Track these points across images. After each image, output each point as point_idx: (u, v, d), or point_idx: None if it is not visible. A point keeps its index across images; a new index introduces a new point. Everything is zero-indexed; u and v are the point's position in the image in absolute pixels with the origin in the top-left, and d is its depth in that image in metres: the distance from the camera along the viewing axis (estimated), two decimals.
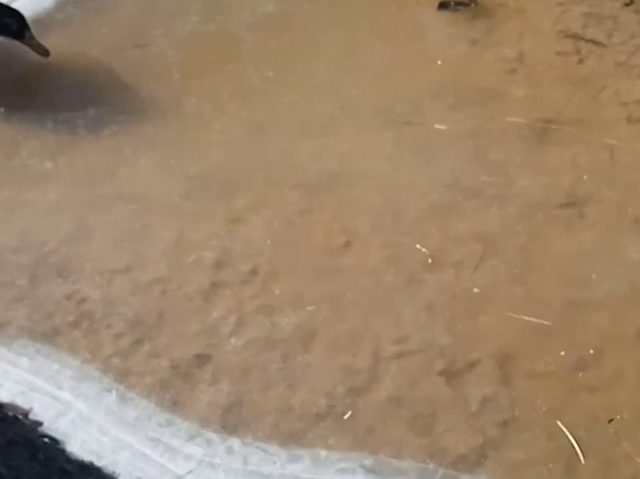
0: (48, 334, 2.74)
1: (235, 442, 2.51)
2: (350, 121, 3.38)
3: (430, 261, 2.96)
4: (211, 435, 2.52)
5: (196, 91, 3.47)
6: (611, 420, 2.59)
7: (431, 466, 2.48)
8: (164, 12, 3.60)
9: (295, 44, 3.61)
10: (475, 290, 2.89)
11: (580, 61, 3.62)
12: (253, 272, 2.91)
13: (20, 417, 2.46)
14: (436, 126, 3.37)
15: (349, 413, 2.59)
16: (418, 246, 3.00)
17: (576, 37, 3.70)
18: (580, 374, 2.69)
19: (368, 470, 2.46)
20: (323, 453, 2.50)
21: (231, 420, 2.55)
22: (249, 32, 3.67)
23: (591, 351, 2.74)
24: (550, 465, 2.50)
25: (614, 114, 3.41)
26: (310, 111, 3.40)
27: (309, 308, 2.83)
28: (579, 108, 3.43)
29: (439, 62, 3.59)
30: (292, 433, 2.53)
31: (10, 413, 2.46)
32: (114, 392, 2.60)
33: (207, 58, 3.58)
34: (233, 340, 2.74)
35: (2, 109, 3.46)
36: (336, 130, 3.35)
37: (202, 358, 2.69)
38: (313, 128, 3.35)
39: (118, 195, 3.14)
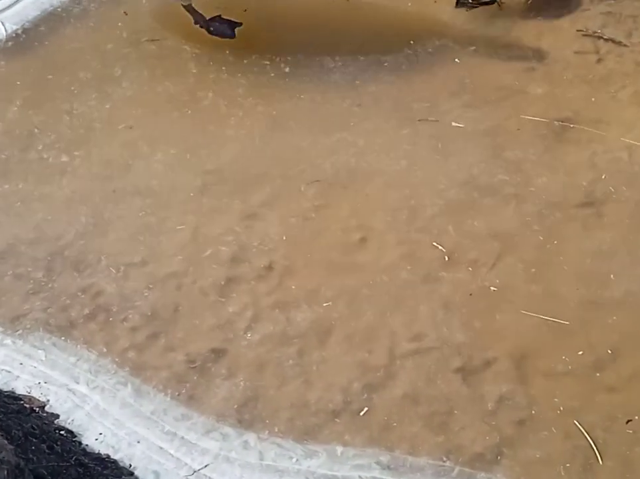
0: (64, 327, 2.74)
1: (251, 437, 2.50)
2: (366, 117, 3.36)
3: (446, 258, 2.95)
4: (227, 429, 2.51)
5: (212, 86, 3.46)
6: (629, 421, 2.58)
7: (447, 463, 2.47)
8: (180, 6, 3.59)
9: (312, 40, 3.59)
10: (492, 288, 2.88)
11: (599, 60, 3.59)
12: (269, 267, 2.90)
13: (37, 409, 2.46)
14: (453, 123, 3.35)
15: (365, 409, 2.58)
16: (434, 243, 2.99)
17: (595, 36, 3.67)
18: (598, 374, 2.68)
19: (384, 467, 2.45)
20: (339, 449, 2.49)
21: (247, 415, 2.55)
22: (265, 27, 3.65)
23: (609, 351, 2.72)
24: (567, 465, 2.49)
25: (633, 113, 3.39)
26: (326, 107, 3.38)
27: (324, 304, 2.82)
28: (597, 107, 3.40)
29: (457, 60, 3.57)
30: (308, 429, 2.53)
31: (27, 405, 2.46)
32: (129, 386, 2.60)
33: (224, 52, 3.56)
34: (248, 335, 2.73)
35: (18, 102, 3.46)
36: (353, 126, 3.33)
37: (218, 353, 2.68)
38: (329, 123, 3.33)
39: (134, 189, 3.14)
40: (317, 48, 3.56)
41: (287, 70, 3.50)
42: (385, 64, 3.52)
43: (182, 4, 3.48)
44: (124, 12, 3.66)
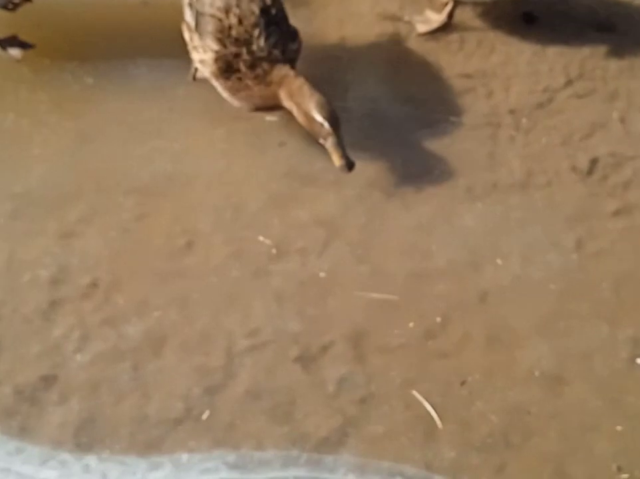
0: None
1: (91, 459, 2.42)
2: (179, 121, 3.33)
3: (274, 251, 2.96)
4: (65, 456, 2.42)
5: (12, 106, 3.30)
6: (463, 383, 2.67)
7: (294, 452, 2.48)
8: None
9: (113, 48, 3.51)
10: (321, 274, 2.91)
11: (401, 41, 3.70)
12: (93, 285, 2.81)
13: None
14: (267, 118, 3.36)
15: (207, 413, 2.55)
16: (261, 238, 2.99)
17: (395, 19, 3.78)
18: (430, 342, 2.76)
19: (232, 466, 2.43)
20: (184, 456, 2.44)
21: (85, 438, 2.46)
22: (63, 40, 3.54)
23: (438, 319, 2.81)
24: (410, 434, 2.55)
25: (441, 89, 3.52)
26: (137, 115, 3.32)
27: (155, 313, 2.76)
28: (408, 86, 3.51)
29: None
30: (150, 441, 2.47)
31: None
32: None
33: (21, 70, 3.43)
34: (78, 356, 2.64)
35: None
36: (166, 131, 3.29)
37: (47, 380, 2.57)
38: (141, 131, 3.27)
39: None
40: (119, 55, 3.48)
41: (90, 81, 3.40)
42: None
43: None
44: None
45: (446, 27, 3.70)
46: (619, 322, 2.80)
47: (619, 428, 2.57)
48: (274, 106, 3.11)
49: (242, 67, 3.05)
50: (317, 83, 3.14)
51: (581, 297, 2.86)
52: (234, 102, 3.16)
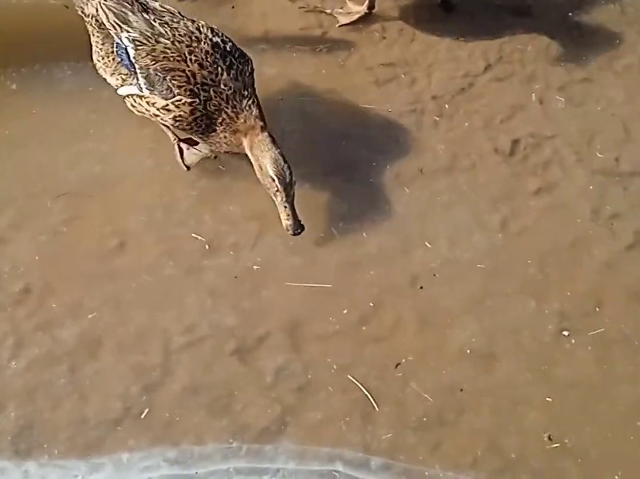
0: None
1: (31, 465, 2.43)
2: (106, 122, 3.31)
3: (207, 247, 2.98)
4: (4, 463, 2.43)
5: None
6: (397, 365, 2.73)
7: (234, 444, 2.52)
8: None
9: (36, 52, 3.46)
10: (255, 267, 2.94)
11: (324, 33, 3.74)
12: (26, 290, 2.81)
13: None
14: None
15: (146, 411, 2.57)
16: (193, 234, 3.01)
17: (317, 11, 3.81)
18: (364, 327, 2.81)
19: (172, 463, 2.46)
20: (125, 456, 2.47)
21: (23, 445, 2.47)
22: None
23: (371, 304, 2.87)
24: (347, 418, 2.61)
25: (362, 78, 3.56)
26: (62, 118, 3.30)
27: (89, 316, 2.77)
28: (328, 77, 3.54)
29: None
30: (89, 443, 2.49)
31: None
32: None
33: None
34: (13, 363, 2.64)
35: None
36: (94, 133, 3.28)
37: None
38: (68, 135, 3.26)
39: None
40: (43, 59, 3.45)
41: (14, 87, 3.37)
42: None
43: None
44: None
45: (367, 18, 3.75)
46: (545, 297, 2.90)
47: (548, 399, 2.67)
48: (239, 152, 3.08)
49: (211, 111, 2.99)
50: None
51: (508, 274, 2.95)
52: (204, 144, 3.13)
